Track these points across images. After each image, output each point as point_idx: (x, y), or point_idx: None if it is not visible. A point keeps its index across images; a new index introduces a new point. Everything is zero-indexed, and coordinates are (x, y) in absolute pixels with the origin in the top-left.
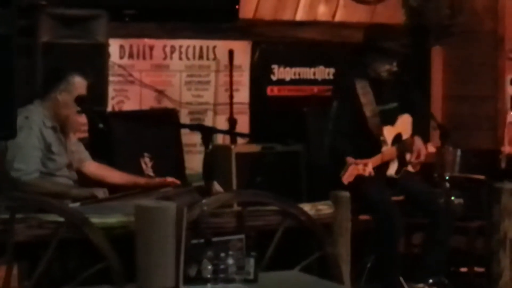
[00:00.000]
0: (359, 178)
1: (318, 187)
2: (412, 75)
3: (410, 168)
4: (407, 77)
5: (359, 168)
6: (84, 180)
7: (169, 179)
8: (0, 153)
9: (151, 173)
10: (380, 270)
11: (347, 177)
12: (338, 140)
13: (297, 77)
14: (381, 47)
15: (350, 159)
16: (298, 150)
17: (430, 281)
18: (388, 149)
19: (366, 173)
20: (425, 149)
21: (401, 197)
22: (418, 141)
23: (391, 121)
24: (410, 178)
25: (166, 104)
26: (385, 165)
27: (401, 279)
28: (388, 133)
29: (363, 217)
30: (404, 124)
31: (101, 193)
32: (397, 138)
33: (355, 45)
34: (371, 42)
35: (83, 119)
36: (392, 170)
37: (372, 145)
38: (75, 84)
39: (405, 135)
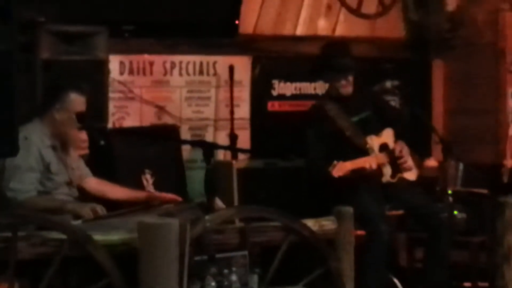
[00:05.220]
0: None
1: (320, 202)
2: (413, 88)
3: (407, 175)
4: (405, 90)
5: (346, 164)
6: (85, 196)
7: (171, 196)
8: None
9: (152, 190)
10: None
11: (336, 171)
12: (315, 166)
13: (297, 92)
14: (333, 63)
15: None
16: (300, 165)
17: None
18: (378, 155)
19: (372, 167)
20: (406, 147)
21: (400, 211)
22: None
23: (371, 130)
24: (410, 192)
25: (167, 120)
26: (379, 173)
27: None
28: (373, 142)
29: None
30: (388, 136)
31: (98, 208)
32: (384, 147)
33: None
34: (323, 60)
35: (83, 135)
36: (387, 175)
37: (359, 156)
38: (71, 102)
39: (391, 145)
